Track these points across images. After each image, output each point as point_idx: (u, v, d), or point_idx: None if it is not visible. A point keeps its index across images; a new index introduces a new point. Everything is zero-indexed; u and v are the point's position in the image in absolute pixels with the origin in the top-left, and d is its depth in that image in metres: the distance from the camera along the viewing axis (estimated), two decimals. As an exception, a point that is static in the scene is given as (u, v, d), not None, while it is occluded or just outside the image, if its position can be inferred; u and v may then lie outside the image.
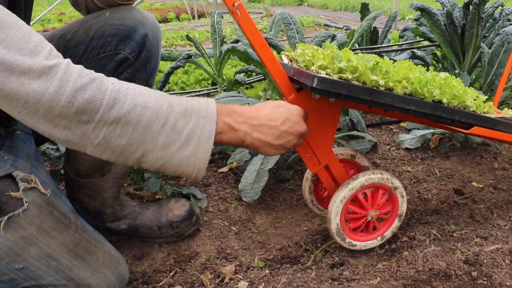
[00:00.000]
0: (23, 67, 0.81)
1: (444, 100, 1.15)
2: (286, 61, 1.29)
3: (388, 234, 1.31)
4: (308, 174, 1.45)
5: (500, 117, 1.50)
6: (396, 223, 1.31)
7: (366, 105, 1.23)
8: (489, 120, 1.23)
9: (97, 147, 0.89)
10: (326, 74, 1.06)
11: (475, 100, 1.27)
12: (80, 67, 0.87)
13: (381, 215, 1.29)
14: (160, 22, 9.20)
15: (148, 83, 1.35)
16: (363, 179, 1.22)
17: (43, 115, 0.84)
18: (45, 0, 13.63)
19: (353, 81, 1.05)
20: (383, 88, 1.07)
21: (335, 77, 1.05)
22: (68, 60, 0.88)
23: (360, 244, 1.29)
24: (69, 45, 1.27)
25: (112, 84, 0.87)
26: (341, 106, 1.20)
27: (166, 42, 6.29)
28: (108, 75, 1.25)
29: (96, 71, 1.25)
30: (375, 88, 1.06)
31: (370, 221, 1.29)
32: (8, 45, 0.81)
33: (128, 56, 1.26)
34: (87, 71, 0.87)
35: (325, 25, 7.40)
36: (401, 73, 1.11)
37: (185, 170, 0.94)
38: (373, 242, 1.30)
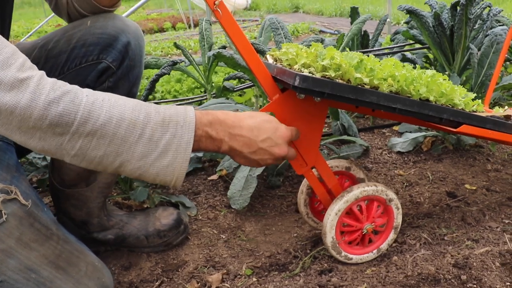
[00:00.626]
0: None
1: (431, 98, 1.13)
2: (270, 61, 1.27)
3: (384, 246, 1.28)
4: (303, 187, 1.41)
5: (490, 115, 1.48)
6: (392, 236, 1.29)
7: (352, 105, 1.21)
8: (478, 118, 1.20)
9: (74, 157, 0.88)
10: (309, 72, 1.04)
11: (463, 98, 1.25)
12: (53, 80, 0.87)
13: (376, 228, 1.27)
14: (156, 31, 9.24)
15: (131, 91, 1.33)
16: (358, 191, 1.20)
17: (17, 126, 0.84)
18: (42, 12, 13.70)
19: (337, 79, 1.03)
20: (368, 87, 1.05)
21: (318, 75, 1.02)
22: (42, 73, 0.87)
23: (356, 258, 1.26)
24: (51, 54, 1.26)
25: (87, 97, 0.87)
26: (327, 106, 1.17)
27: (162, 51, 6.30)
28: (90, 84, 1.26)
29: (78, 80, 1.25)
30: (359, 86, 1.04)
31: (365, 234, 1.26)
32: None
33: (110, 65, 1.25)
34: (61, 83, 0.86)
35: (320, 31, 7.42)
36: (386, 71, 1.08)
37: (163, 179, 0.93)
38: (369, 255, 1.27)
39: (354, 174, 1.40)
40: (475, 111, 1.28)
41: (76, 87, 0.88)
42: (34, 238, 1.04)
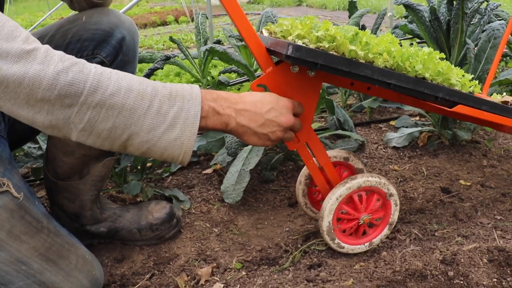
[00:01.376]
0: (0, 52, 0.80)
1: (427, 76, 1.10)
2: (266, 34, 1.26)
3: (376, 241, 1.29)
4: (301, 178, 1.42)
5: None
6: (385, 231, 1.30)
7: (346, 80, 1.19)
8: (474, 99, 1.18)
9: (82, 132, 0.87)
10: (303, 43, 1.02)
11: (460, 79, 1.23)
12: (60, 52, 0.87)
13: (372, 221, 1.27)
14: (159, 25, 9.21)
15: None
16: (361, 180, 1.20)
17: (25, 99, 0.83)
18: (46, 5, 13.71)
19: (332, 52, 1.00)
20: (363, 61, 1.02)
21: (312, 46, 1.00)
22: (47, 46, 0.87)
23: (347, 247, 1.26)
24: None
25: (95, 68, 0.87)
26: (321, 82, 1.15)
27: (164, 45, 6.29)
28: None
29: None
30: (354, 59, 1.01)
31: (360, 225, 1.26)
32: None
33: (104, 60, 1.26)
34: (69, 56, 0.86)
35: (323, 25, 7.36)
36: (382, 46, 1.06)
37: (171, 154, 0.93)
38: (360, 247, 1.28)
39: (353, 164, 1.41)
40: (471, 93, 1.26)
41: (83, 60, 0.88)
42: (24, 231, 1.05)
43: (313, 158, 1.26)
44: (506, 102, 1.50)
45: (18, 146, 1.42)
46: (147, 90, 0.89)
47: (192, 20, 9.44)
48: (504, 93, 1.60)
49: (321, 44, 1.00)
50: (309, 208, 1.45)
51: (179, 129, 0.91)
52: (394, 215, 1.29)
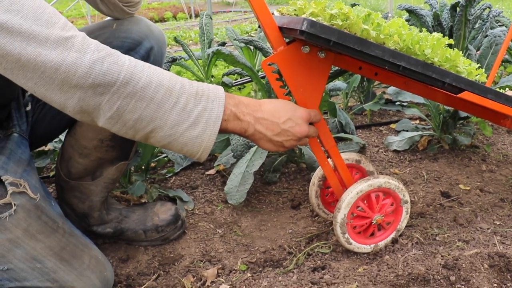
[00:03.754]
0: (40, 37, 0.83)
1: (436, 61, 1.12)
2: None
3: (381, 244, 1.32)
4: (314, 179, 1.45)
5: None
6: (392, 237, 1.33)
7: (355, 64, 1.22)
8: (480, 87, 1.20)
9: (109, 119, 0.90)
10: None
11: (467, 66, 1.25)
12: (96, 41, 0.89)
13: (383, 223, 1.31)
14: (157, 21, 9.20)
15: None
16: (383, 180, 1.25)
17: (59, 85, 0.85)
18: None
19: (344, 30, 1.02)
20: (374, 41, 1.04)
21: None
22: (84, 33, 0.89)
23: (355, 245, 1.30)
24: None
25: (129, 60, 0.90)
26: (330, 64, 1.17)
27: (162, 41, 6.29)
28: None
29: None
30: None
31: (371, 226, 1.30)
32: (25, 15, 0.82)
33: None
34: (104, 46, 0.89)
35: (322, 24, 7.38)
36: (393, 28, 1.08)
37: (190, 150, 0.96)
38: (366, 247, 1.31)
39: (364, 167, 1.44)
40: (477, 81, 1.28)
41: (118, 51, 0.90)
42: (40, 230, 1.09)
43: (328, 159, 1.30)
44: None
45: (38, 146, 1.44)
46: (175, 86, 0.92)
47: (191, 17, 9.42)
48: (507, 88, 1.62)
49: (334, 22, 1.01)
50: (321, 209, 1.49)
51: (201, 127, 0.94)
52: (403, 222, 1.33)
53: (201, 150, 0.96)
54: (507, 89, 1.63)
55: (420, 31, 1.99)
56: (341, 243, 1.29)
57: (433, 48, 1.12)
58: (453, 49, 1.19)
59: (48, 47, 0.83)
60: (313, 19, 1.01)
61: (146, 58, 1.30)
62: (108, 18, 1.39)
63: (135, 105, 0.89)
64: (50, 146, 1.81)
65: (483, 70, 1.90)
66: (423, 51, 1.10)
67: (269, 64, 1.13)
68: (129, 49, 1.28)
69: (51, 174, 1.88)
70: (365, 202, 1.28)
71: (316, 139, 1.24)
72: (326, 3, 1.08)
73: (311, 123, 1.15)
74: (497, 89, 1.50)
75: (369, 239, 1.32)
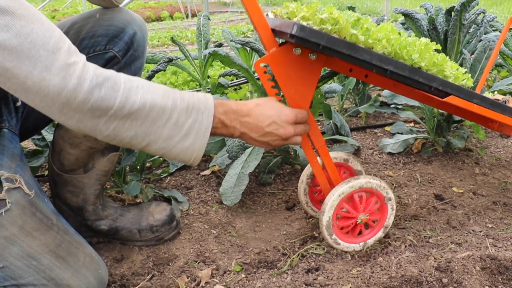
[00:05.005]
0: (46, 63, 0.87)
1: (423, 65, 1.15)
2: (272, 17, 1.29)
3: (370, 242, 1.35)
4: (303, 177, 1.48)
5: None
6: (380, 234, 1.35)
7: (346, 66, 1.24)
8: (466, 92, 1.23)
9: (107, 137, 0.97)
10: (307, 25, 1.05)
11: (455, 71, 1.27)
12: (94, 65, 0.94)
13: (369, 221, 1.33)
14: (153, 20, 9.19)
15: None
16: (364, 181, 1.27)
17: (59, 108, 0.91)
18: (39, -4, 13.55)
19: (334, 34, 1.04)
20: (362, 46, 1.06)
21: (316, 28, 1.04)
22: (84, 57, 0.94)
23: (343, 245, 1.32)
24: None
25: (124, 83, 0.94)
26: (321, 65, 1.19)
27: (159, 41, 6.28)
28: None
29: None
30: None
31: (357, 225, 1.32)
32: (33, 40, 0.87)
33: (116, 54, 1.34)
34: (101, 70, 0.94)
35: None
36: (382, 33, 1.11)
37: (182, 158, 1.04)
38: (355, 246, 1.34)
39: (352, 166, 1.46)
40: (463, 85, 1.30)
41: (113, 73, 0.95)
42: (36, 227, 1.09)
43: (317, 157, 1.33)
44: (497, 99, 1.54)
45: (25, 138, 1.45)
46: (168, 103, 0.98)
47: (187, 17, 9.42)
48: (496, 92, 1.64)
49: (324, 26, 1.04)
50: (310, 207, 1.51)
51: (192, 138, 1.02)
52: (390, 219, 1.34)
53: (193, 158, 1.04)
54: (495, 92, 1.64)
55: (416, 35, 2.01)
56: (330, 244, 1.32)
57: (421, 53, 1.15)
58: (440, 54, 1.21)
59: (52, 73, 0.87)
60: (304, 23, 1.04)
61: (130, 44, 1.35)
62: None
63: (131, 125, 0.95)
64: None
65: (476, 74, 1.93)
66: (411, 55, 1.13)
67: (262, 65, 1.16)
68: (114, 36, 1.33)
69: (46, 173, 1.88)
70: (349, 202, 1.30)
71: (307, 137, 1.27)
72: (317, 6, 1.10)
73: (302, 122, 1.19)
74: (486, 93, 1.52)
75: (357, 237, 1.35)
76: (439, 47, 1.24)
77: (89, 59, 1.31)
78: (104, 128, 0.94)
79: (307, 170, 1.48)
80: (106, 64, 1.34)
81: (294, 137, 1.16)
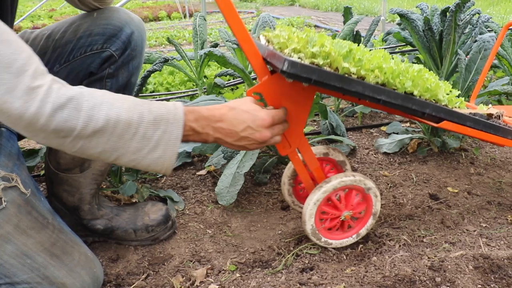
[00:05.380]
0: (8, 86, 0.86)
1: (416, 92, 1.15)
2: (263, 41, 1.30)
3: (363, 231, 1.35)
4: (284, 179, 1.48)
5: (472, 113, 1.52)
6: (371, 221, 1.36)
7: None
8: (459, 115, 1.24)
9: (75, 153, 0.97)
10: (299, 58, 1.06)
11: (448, 94, 1.28)
12: (59, 86, 0.92)
13: (355, 214, 1.33)
14: (151, 20, 9.18)
15: (130, 80, 1.42)
16: (336, 182, 1.26)
17: (24, 128, 0.91)
18: (36, -4, 13.52)
19: (325, 67, 1.05)
20: (355, 76, 1.07)
21: (307, 61, 1.04)
22: (50, 79, 0.92)
23: (335, 242, 1.33)
24: (58, 44, 1.35)
25: (87, 102, 0.93)
26: (314, 91, 1.20)
27: (156, 41, 6.28)
28: (93, 71, 1.35)
29: (83, 67, 1.35)
30: (346, 75, 1.06)
31: (344, 220, 1.33)
32: None
33: (113, 53, 1.34)
34: (64, 90, 0.92)
35: (316, 26, 7.43)
36: (374, 62, 1.11)
37: (154, 168, 1.03)
38: (348, 239, 1.35)
39: (334, 158, 1.47)
40: (457, 108, 1.31)
41: (77, 91, 0.94)
42: (31, 226, 1.10)
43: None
44: (490, 115, 1.55)
45: (25, 137, 1.45)
46: (133, 118, 0.97)
47: (185, 17, 9.42)
48: (490, 105, 1.65)
49: (315, 61, 1.04)
50: (297, 205, 1.52)
51: (162, 149, 1.00)
52: (376, 205, 1.34)
53: (164, 168, 1.03)
54: (490, 105, 1.66)
55: (412, 36, 2.02)
56: (322, 246, 1.32)
57: (414, 80, 1.15)
58: (434, 78, 1.22)
59: (15, 96, 0.87)
60: (295, 56, 1.05)
61: (127, 43, 1.35)
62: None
63: (97, 142, 0.95)
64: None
65: (471, 74, 1.94)
66: (404, 84, 1.13)
67: (254, 94, 1.16)
68: (111, 35, 1.33)
69: (42, 173, 1.88)
70: (329, 204, 1.30)
71: (290, 144, 1.25)
72: (308, 37, 1.10)
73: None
74: (481, 105, 1.53)
75: (348, 231, 1.35)
76: (432, 74, 1.25)
77: (86, 57, 1.35)
78: (71, 146, 0.94)
79: (288, 171, 1.48)
80: (103, 63, 1.35)
81: (272, 138, 1.13)
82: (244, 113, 1.09)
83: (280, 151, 1.25)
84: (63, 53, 1.34)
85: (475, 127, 1.28)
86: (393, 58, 1.23)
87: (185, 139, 1.05)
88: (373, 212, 1.34)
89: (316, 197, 1.25)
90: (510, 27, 2.40)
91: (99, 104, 0.94)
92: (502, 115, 1.55)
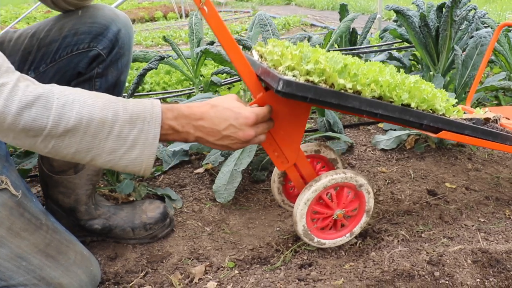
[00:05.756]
0: None
1: (413, 104, 1.15)
2: (256, 57, 1.28)
3: (357, 230, 1.33)
4: (274, 176, 1.46)
5: (470, 119, 1.52)
6: (364, 219, 1.33)
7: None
8: (457, 125, 1.24)
9: (48, 154, 0.93)
10: (293, 75, 1.05)
11: (445, 103, 1.28)
12: (26, 84, 0.89)
13: (348, 212, 1.31)
14: (147, 21, 9.17)
15: (119, 79, 1.40)
16: (326, 180, 1.23)
17: None
18: (32, -3, 13.50)
19: (321, 83, 1.04)
20: (351, 91, 1.06)
21: (302, 79, 1.03)
22: (17, 77, 0.89)
23: (329, 242, 1.31)
24: (43, 43, 1.32)
25: (57, 100, 0.89)
26: (309, 106, 1.20)
27: (152, 41, 6.27)
28: (81, 71, 1.33)
29: (70, 67, 1.32)
30: (342, 91, 1.05)
31: (337, 219, 1.30)
32: None
33: (100, 52, 1.32)
34: (31, 89, 0.88)
35: (312, 24, 7.43)
36: (370, 76, 1.10)
37: (132, 169, 0.99)
38: (342, 239, 1.32)
39: (325, 155, 1.44)
40: (455, 116, 1.31)
41: (47, 89, 0.90)
42: (24, 228, 1.08)
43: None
44: (487, 119, 1.56)
45: None
46: (108, 116, 0.93)
47: (181, 17, 9.40)
48: (487, 109, 1.66)
49: (310, 78, 1.03)
50: (287, 204, 1.50)
51: (139, 149, 0.96)
52: (369, 202, 1.31)
53: (142, 168, 0.98)
54: (487, 109, 1.66)
55: (408, 32, 2.02)
56: (316, 247, 1.30)
57: (410, 91, 1.15)
58: (430, 88, 1.22)
59: None
60: (289, 77, 1.03)
61: (114, 41, 1.32)
62: None
63: (70, 141, 0.91)
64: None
65: (468, 70, 1.94)
66: (400, 96, 1.13)
67: None
68: (98, 33, 1.31)
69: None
70: (320, 203, 1.28)
71: (287, 159, 1.23)
72: (302, 53, 1.08)
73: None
74: (478, 109, 1.53)
75: (342, 230, 1.33)
76: (430, 84, 1.25)
77: (72, 57, 1.32)
78: (42, 146, 0.90)
79: (277, 169, 1.45)
80: (91, 63, 1.32)
81: (255, 137, 1.10)
82: (226, 110, 1.05)
83: (278, 166, 1.24)
84: (49, 52, 1.32)
85: (473, 135, 1.28)
86: (389, 70, 1.22)
87: (163, 138, 1.01)
88: (366, 209, 1.32)
89: (306, 196, 1.22)
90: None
91: (71, 102, 0.90)
92: (499, 119, 1.55)
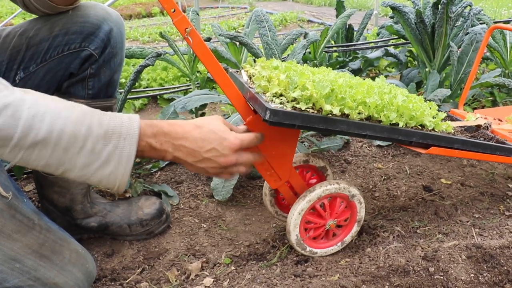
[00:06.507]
0: None
1: (401, 124, 1.16)
2: (245, 77, 1.29)
3: (348, 239, 1.33)
4: (265, 189, 1.44)
5: (461, 126, 1.53)
6: (355, 228, 1.33)
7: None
8: (446, 139, 1.25)
9: (19, 164, 0.89)
10: (281, 102, 1.05)
11: (434, 118, 1.28)
12: None
13: (340, 222, 1.31)
14: (144, 16, 9.14)
15: (113, 78, 1.38)
16: (320, 190, 1.23)
17: None
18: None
19: (308, 109, 1.04)
20: (339, 114, 1.07)
21: (289, 105, 1.04)
22: None
23: (321, 251, 1.30)
24: (32, 42, 1.28)
25: (28, 109, 0.85)
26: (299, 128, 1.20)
27: (149, 37, 6.26)
28: (73, 72, 1.30)
29: (61, 68, 1.29)
30: (330, 115, 1.06)
31: (329, 229, 1.30)
32: None
33: (92, 52, 1.29)
34: (3, 95, 0.85)
35: (309, 20, 7.42)
36: (358, 97, 1.11)
37: (106, 185, 0.95)
38: (333, 248, 1.32)
39: (314, 164, 1.44)
40: (444, 131, 1.32)
41: (18, 97, 0.86)
42: (16, 229, 1.05)
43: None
44: (479, 126, 1.56)
45: None
46: (81, 130, 0.89)
47: (178, 13, 9.36)
48: (478, 115, 1.67)
49: (297, 106, 1.04)
50: (281, 215, 1.47)
51: (113, 166, 0.92)
52: (361, 212, 1.32)
53: (116, 185, 0.95)
54: (478, 116, 1.67)
55: (404, 28, 2.02)
56: (308, 256, 1.30)
57: (398, 110, 1.16)
58: (419, 105, 1.23)
59: None
60: (276, 104, 1.04)
61: (106, 41, 1.30)
62: None
63: (39, 154, 0.87)
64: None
65: (464, 66, 1.94)
66: (389, 117, 1.13)
67: None
68: (89, 33, 1.28)
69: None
70: (313, 213, 1.28)
71: (280, 177, 1.24)
72: (290, 78, 1.09)
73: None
74: (470, 115, 1.54)
75: (333, 239, 1.32)
76: (421, 99, 1.24)
77: (63, 57, 1.28)
78: (11, 157, 0.86)
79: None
80: (83, 63, 1.30)
81: (235, 166, 1.06)
82: (211, 133, 1.03)
83: (271, 184, 1.25)
84: (38, 52, 1.28)
85: (463, 148, 1.29)
86: (378, 87, 1.23)
87: (140, 155, 0.98)
88: (357, 219, 1.32)
89: (300, 206, 1.23)
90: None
91: (42, 113, 0.86)
92: (490, 126, 1.56)
